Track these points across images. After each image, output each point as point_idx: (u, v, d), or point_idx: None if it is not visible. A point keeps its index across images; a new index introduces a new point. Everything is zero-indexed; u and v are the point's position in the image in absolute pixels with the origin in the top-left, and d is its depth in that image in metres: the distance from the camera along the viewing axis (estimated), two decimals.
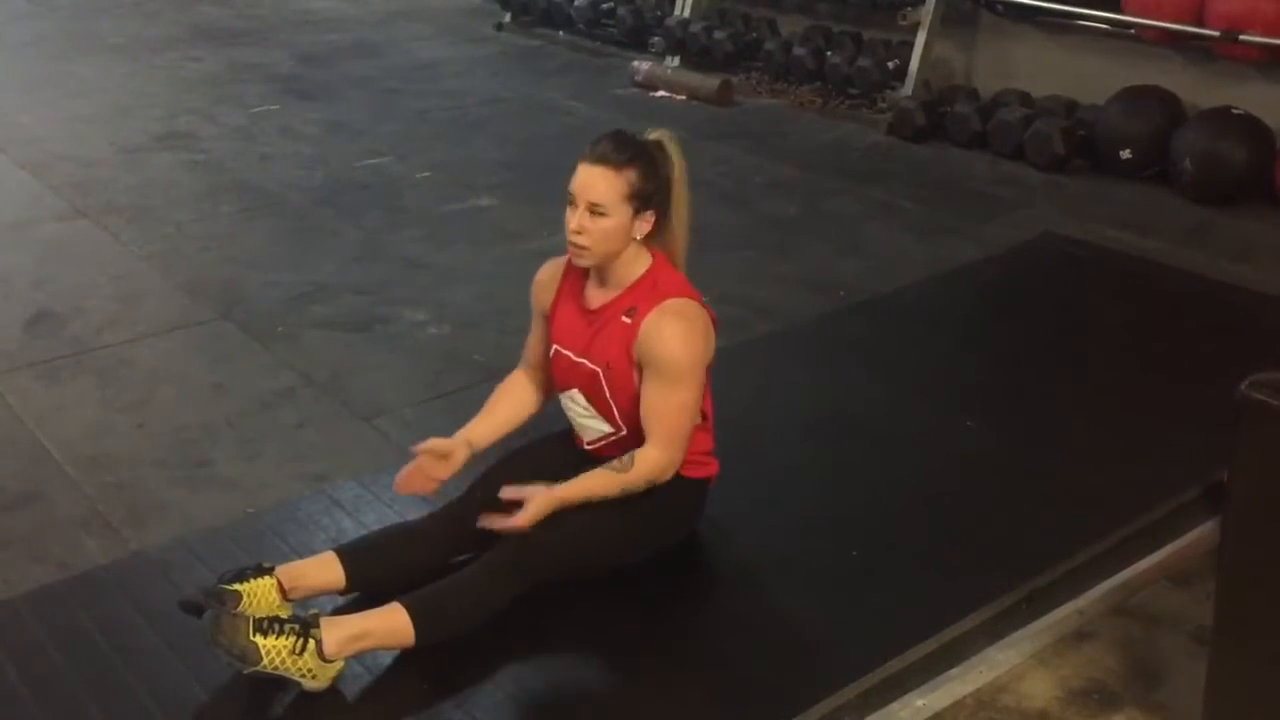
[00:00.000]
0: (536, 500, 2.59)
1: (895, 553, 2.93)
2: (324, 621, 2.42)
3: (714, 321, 2.72)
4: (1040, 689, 2.68)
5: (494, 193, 5.79)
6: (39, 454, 3.59)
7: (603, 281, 2.69)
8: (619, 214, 2.58)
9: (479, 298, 4.70)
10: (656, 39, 8.13)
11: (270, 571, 2.56)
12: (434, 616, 2.49)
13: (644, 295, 2.64)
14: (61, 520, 3.27)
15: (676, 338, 2.60)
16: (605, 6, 8.55)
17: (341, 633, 2.41)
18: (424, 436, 2.80)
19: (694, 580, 2.83)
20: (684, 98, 7.42)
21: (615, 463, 2.65)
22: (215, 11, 9.66)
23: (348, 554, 2.64)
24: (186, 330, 4.40)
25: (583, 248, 2.60)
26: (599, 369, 2.68)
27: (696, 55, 7.88)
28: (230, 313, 4.52)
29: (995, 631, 2.76)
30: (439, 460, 2.74)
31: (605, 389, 2.68)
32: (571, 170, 2.64)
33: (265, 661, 2.34)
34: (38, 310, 4.50)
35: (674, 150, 2.67)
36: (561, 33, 8.92)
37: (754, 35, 7.83)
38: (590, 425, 2.77)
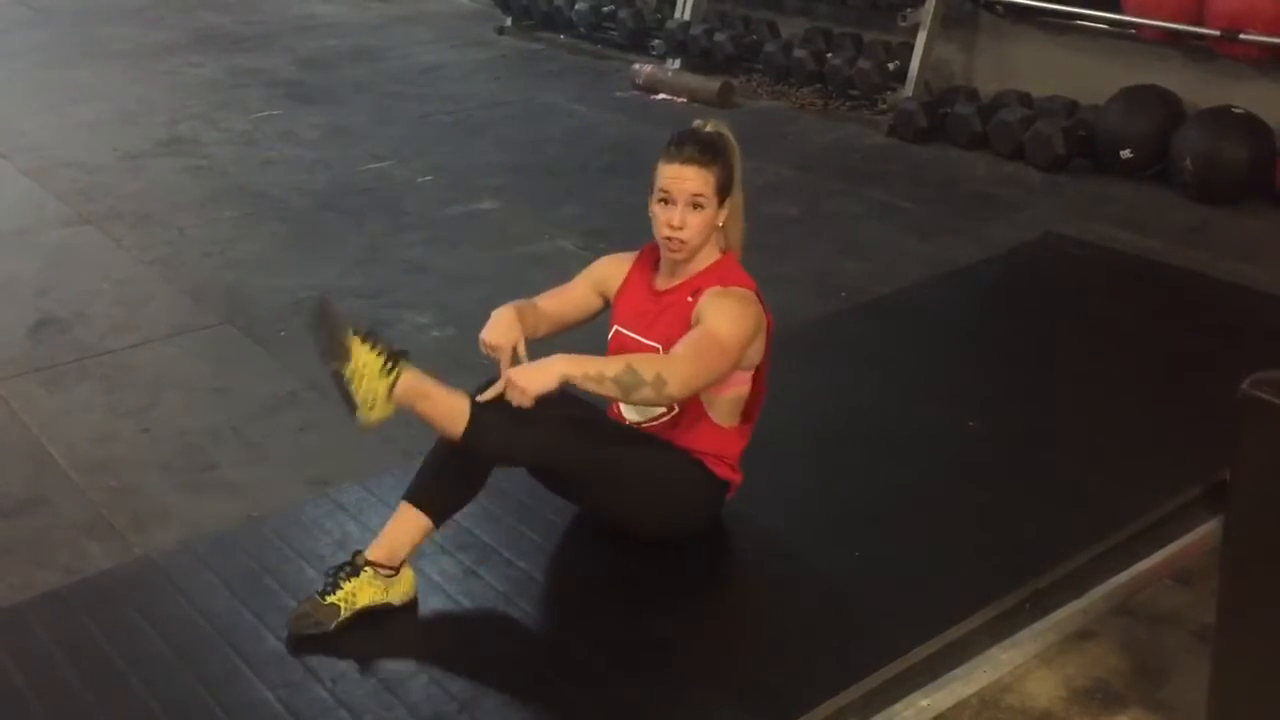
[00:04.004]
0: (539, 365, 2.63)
1: (897, 553, 2.93)
2: (406, 368, 2.61)
3: (769, 326, 2.78)
4: (1044, 689, 2.69)
5: (496, 196, 5.79)
6: (43, 459, 3.60)
7: (674, 270, 2.79)
8: (711, 206, 2.70)
9: (482, 300, 4.62)
10: (657, 42, 8.15)
11: (361, 569, 2.63)
12: (485, 428, 2.62)
13: (711, 280, 2.75)
14: (66, 525, 3.28)
15: (725, 306, 2.67)
16: (606, 10, 8.57)
17: (415, 383, 2.62)
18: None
19: (695, 581, 2.83)
20: (685, 100, 7.43)
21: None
22: (216, 18, 9.69)
23: (419, 498, 2.71)
24: (190, 335, 4.41)
25: (684, 242, 2.70)
26: (659, 347, 2.74)
27: (697, 58, 7.89)
28: (233, 317, 4.53)
29: (998, 631, 2.76)
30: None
31: None
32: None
33: (352, 364, 2.55)
34: (42, 316, 4.52)
35: (733, 140, 2.76)
36: (562, 36, 8.94)
37: (754, 37, 7.84)
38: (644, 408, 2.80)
